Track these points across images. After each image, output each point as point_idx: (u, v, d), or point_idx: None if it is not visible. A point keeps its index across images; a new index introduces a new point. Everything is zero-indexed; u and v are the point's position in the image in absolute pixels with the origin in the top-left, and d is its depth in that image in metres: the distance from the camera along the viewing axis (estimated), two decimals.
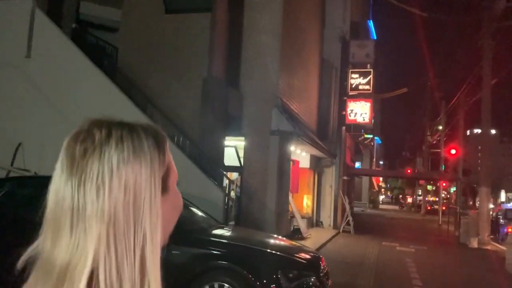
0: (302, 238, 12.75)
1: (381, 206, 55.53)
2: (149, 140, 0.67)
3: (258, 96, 11.24)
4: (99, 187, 0.62)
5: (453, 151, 32.66)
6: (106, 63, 12.41)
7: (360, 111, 17.56)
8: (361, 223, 22.89)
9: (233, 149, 10.77)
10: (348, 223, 17.02)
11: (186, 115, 10.80)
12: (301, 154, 15.55)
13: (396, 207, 57.58)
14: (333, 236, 15.16)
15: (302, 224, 13.37)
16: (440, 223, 26.76)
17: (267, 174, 11.03)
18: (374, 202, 50.63)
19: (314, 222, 17.36)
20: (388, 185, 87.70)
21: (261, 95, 11.21)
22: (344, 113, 17.69)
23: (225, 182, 10.97)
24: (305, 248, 5.68)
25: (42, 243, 0.64)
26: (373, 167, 48.62)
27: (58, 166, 0.65)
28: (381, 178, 74.40)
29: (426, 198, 48.29)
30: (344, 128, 17.75)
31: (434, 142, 35.46)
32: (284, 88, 11.94)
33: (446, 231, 20.91)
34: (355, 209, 37.62)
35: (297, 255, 4.88)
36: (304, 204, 17.28)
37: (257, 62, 11.29)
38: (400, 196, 75.83)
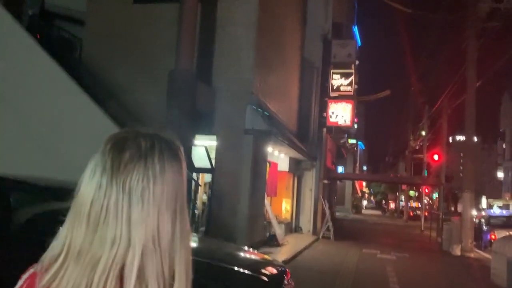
0: (278, 245, 12.03)
1: (364, 211, 55.19)
2: (180, 151, 0.78)
3: (231, 93, 10.50)
4: (144, 189, 0.70)
5: (435, 157, 32.65)
6: (70, 55, 11.59)
7: (341, 113, 16.95)
8: (343, 229, 22.28)
9: (203, 149, 9.99)
10: (328, 229, 16.36)
11: (152, 111, 9.99)
12: (279, 156, 14.86)
13: (379, 213, 57.34)
14: (312, 243, 14.47)
15: (278, 230, 12.64)
16: (422, 229, 26.34)
17: (240, 176, 10.29)
18: (357, 207, 50.23)
19: (293, 227, 16.66)
20: (372, 191, 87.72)
21: (235, 92, 10.48)
22: (325, 114, 17.06)
23: (193, 184, 10.24)
24: (269, 261, 4.94)
25: (76, 234, 0.69)
26: (357, 172, 48.25)
27: (99, 165, 0.71)
28: (364, 183, 74.34)
29: (409, 204, 48.11)
30: (325, 130, 17.12)
31: (417, 147, 35.19)
32: (260, 85, 11.23)
33: (428, 238, 20.41)
34: (337, 214, 37.10)
35: (257, 270, 4.14)
36: (283, 208, 16.58)
37: (231, 57, 10.56)
38: (383, 201, 75.77)
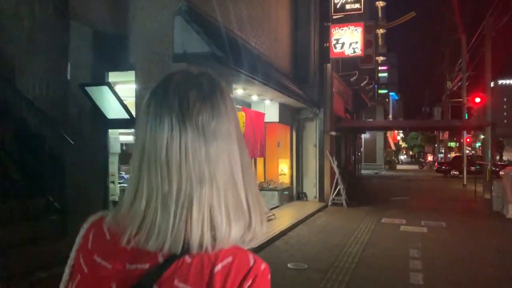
0: None
1: (399, 167, 50.97)
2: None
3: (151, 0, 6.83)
4: (215, 127, 0.69)
5: (477, 99, 28.68)
6: None
7: (349, 40, 12.84)
8: (366, 190, 18.58)
9: (106, 89, 6.46)
10: (339, 193, 12.72)
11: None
12: (264, 103, 11.19)
13: (416, 167, 52.79)
14: (313, 214, 10.90)
15: None
16: (464, 183, 22.22)
17: None
18: (390, 163, 46.00)
19: (295, 194, 13.11)
20: (408, 144, 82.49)
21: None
22: (327, 44, 13.00)
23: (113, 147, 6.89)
24: None
25: (155, 179, 0.68)
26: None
27: (165, 107, 0.69)
28: (398, 137, 69.22)
29: (449, 155, 43.51)
30: (328, 65, 13.12)
31: (455, 88, 30.45)
32: None
33: (473, 194, 16.44)
34: (366, 172, 33.17)
35: None
36: (280, 171, 13.02)
37: None
38: (421, 154, 70.78)
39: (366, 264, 6.28)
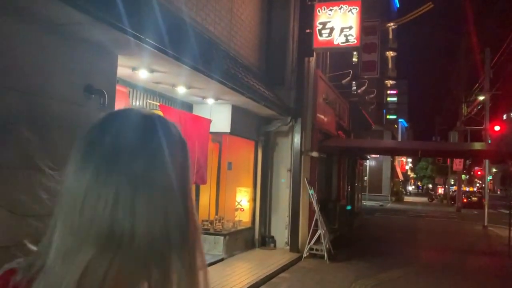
0: None
1: (407, 199, 46.83)
2: (180, 133, 0.68)
3: None
4: (151, 177, 0.59)
5: (497, 128, 25.54)
6: None
7: (340, 25, 9.08)
8: (364, 230, 14.71)
9: None
10: (319, 241, 8.87)
11: None
12: (207, 104, 7.56)
13: (425, 199, 48.54)
14: (272, 275, 7.02)
15: None
16: (485, 224, 18.24)
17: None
18: (397, 194, 41.85)
19: (257, 238, 9.26)
20: (417, 175, 78.10)
21: None
22: (309, 30, 9.28)
23: None
24: None
25: (62, 233, 0.59)
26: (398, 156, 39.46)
27: (95, 148, 0.59)
28: (407, 167, 64.97)
29: (461, 189, 39.49)
30: (311, 59, 9.37)
31: (473, 113, 26.85)
32: None
33: (499, 241, 12.55)
34: (369, 203, 29.19)
35: None
36: (237, 204, 9.26)
37: None
38: (430, 186, 66.43)
39: None
